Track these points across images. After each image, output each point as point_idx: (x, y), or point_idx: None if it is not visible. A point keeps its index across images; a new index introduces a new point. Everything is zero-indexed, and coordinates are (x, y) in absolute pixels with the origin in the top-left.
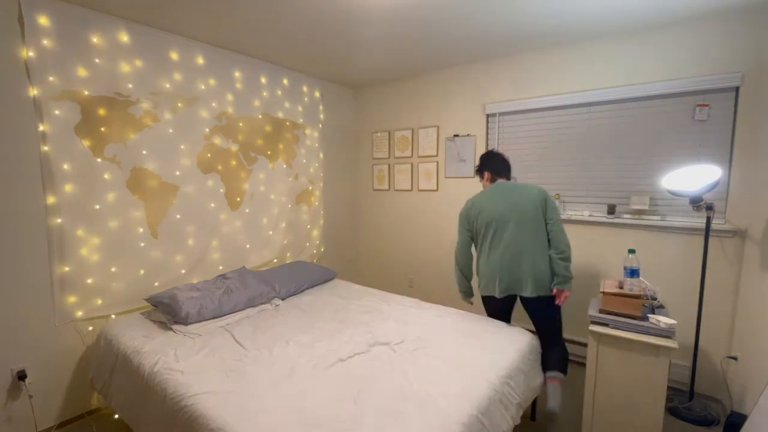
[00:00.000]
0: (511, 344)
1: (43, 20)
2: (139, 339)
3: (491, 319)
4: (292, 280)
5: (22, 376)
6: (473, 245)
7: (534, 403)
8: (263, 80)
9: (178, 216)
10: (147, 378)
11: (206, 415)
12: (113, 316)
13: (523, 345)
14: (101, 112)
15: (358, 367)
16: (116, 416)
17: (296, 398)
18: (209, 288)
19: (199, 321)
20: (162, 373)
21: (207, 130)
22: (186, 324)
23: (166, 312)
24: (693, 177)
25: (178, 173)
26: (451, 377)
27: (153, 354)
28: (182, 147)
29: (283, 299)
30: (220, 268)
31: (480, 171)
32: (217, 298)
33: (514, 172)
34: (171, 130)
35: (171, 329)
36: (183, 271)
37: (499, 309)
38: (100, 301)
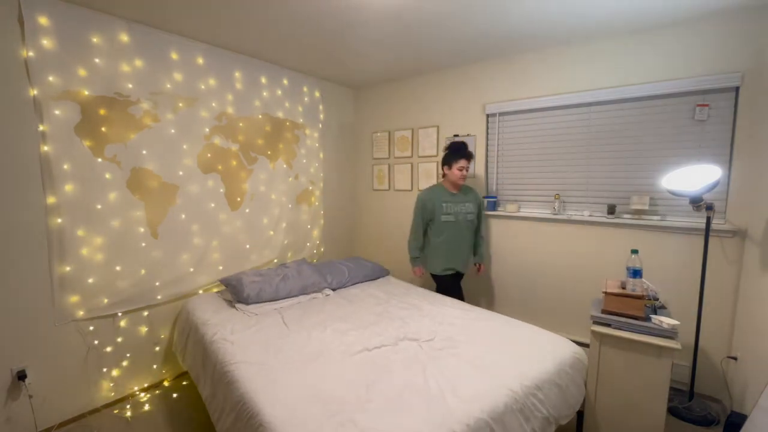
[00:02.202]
0: (549, 355)
1: (43, 20)
2: (209, 313)
3: (536, 328)
4: (345, 274)
5: (22, 376)
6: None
7: (580, 418)
8: (263, 80)
9: (178, 216)
10: (207, 345)
11: (239, 381)
12: (119, 314)
13: (564, 357)
14: (101, 112)
15: (381, 357)
16: (116, 411)
17: (317, 377)
18: (270, 274)
19: (258, 302)
20: (217, 342)
21: (207, 130)
22: (247, 304)
23: (233, 292)
24: (693, 177)
25: (178, 173)
26: (470, 380)
27: (215, 326)
28: (182, 147)
29: (333, 290)
30: (220, 268)
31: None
32: (275, 284)
33: (514, 173)
34: (171, 130)
35: (234, 307)
36: (183, 271)
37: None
38: (106, 300)
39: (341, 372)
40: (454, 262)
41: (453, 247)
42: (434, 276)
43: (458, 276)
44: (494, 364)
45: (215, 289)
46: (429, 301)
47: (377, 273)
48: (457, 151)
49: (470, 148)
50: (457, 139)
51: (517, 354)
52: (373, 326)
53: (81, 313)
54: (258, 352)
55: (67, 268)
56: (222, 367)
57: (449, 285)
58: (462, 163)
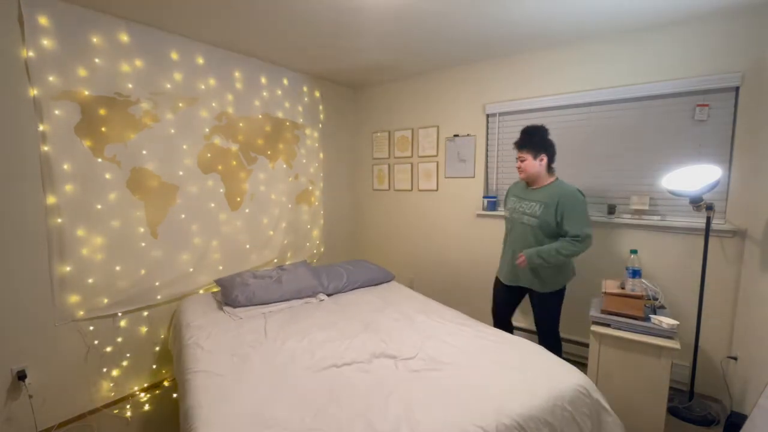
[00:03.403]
0: (546, 385)
1: (43, 20)
2: (196, 314)
3: (540, 350)
4: (343, 278)
5: (22, 376)
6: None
7: None
8: (263, 80)
9: (178, 216)
10: (181, 348)
11: (191, 391)
12: (119, 314)
13: (563, 390)
14: (101, 112)
15: (348, 376)
16: (116, 411)
17: (270, 395)
18: (265, 276)
19: (246, 305)
20: (190, 346)
21: (207, 130)
22: (234, 306)
23: (223, 293)
24: (693, 177)
25: (178, 173)
26: (436, 411)
27: (196, 329)
28: (182, 147)
29: (329, 295)
30: (220, 268)
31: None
32: (267, 287)
33: (515, 173)
34: (171, 130)
35: (223, 310)
36: (183, 271)
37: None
38: (106, 300)
39: (297, 391)
40: (501, 267)
41: (505, 250)
42: None
43: (506, 290)
44: (473, 392)
45: (215, 289)
46: (426, 313)
47: (380, 277)
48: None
49: (469, 148)
50: (458, 138)
51: (505, 381)
52: (354, 338)
53: (81, 313)
54: (223, 361)
55: (67, 268)
56: (185, 373)
57: (494, 293)
58: (518, 153)
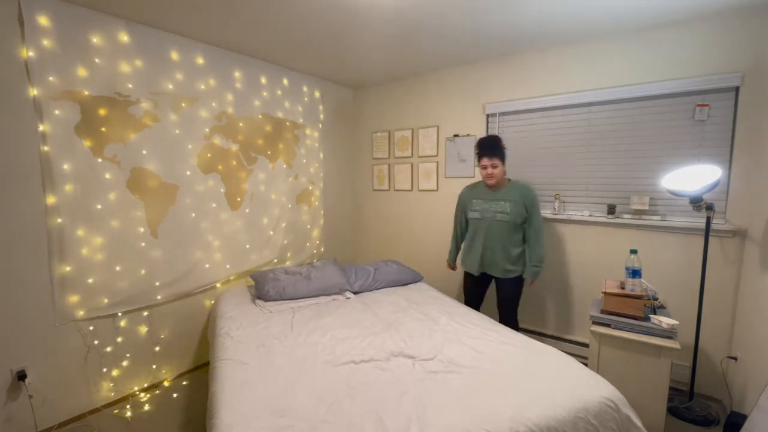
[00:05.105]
0: (569, 395)
1: (43, 20)
2: (229, 305)
3: (565, 358)
4: (371, 277)
5: (22, 376)
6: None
7: None
8: (263, 80)
9: (178, 216)
10: (214, 337)
11: (217, 379)
12: (119, 314)
13: (587, 401)
14: (101, 112)
15: (364, 373)
16: (116, 411)
17: (287, 385)
18: (296, 273)
19: (276, 300)
20: (222, 336)
21: (207, 130)
22: (266, 300)
23: (256, 287)
24: (693, 177)
25: (178, 173)
26: (448, 414)
27: (228, 319)
28: (182, 147)
29: (355, 293)
30: (228, 266)
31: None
32: (298, 283)
33: (514, 173)
34: (171, 130)
35: (255, 303)
36: (182, 271)
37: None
38: (106, 300)
39: (314, 383)
40: (470, 262)
41: (474, 246)
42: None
43: (478, 281)
44: (489, 397)
45: (219, 286)
46: (449, 315)
47: (408, 278)
48: (478, 148)
49: (469, 148)
50: (458, 138)
51: (524, 388)
52: (374, 336)
53: (81, 313)
54: (249, 350)
55: (67, 268)
56: (214, 361)
57: (468, 287)
58: (484, 161)
